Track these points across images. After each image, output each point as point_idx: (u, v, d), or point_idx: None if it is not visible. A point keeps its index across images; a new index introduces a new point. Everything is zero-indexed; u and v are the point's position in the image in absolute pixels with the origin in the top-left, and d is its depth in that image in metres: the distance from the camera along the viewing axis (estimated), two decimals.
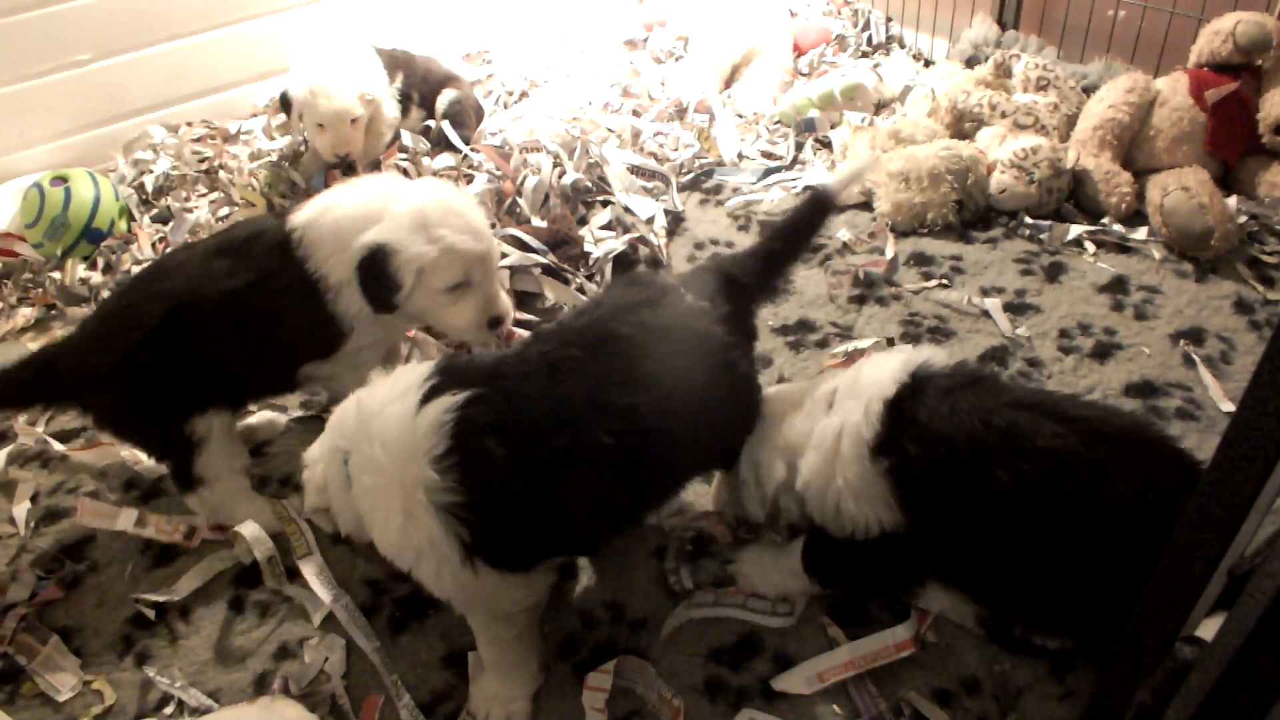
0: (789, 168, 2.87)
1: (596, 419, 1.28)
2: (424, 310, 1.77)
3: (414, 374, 1.33)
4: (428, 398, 1.27)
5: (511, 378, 1.32)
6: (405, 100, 3.10)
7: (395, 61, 3.07)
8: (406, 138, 3.05)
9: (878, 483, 1.31)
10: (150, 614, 1.66)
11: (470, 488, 1.24)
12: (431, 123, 3.12)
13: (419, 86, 3.11)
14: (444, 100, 3.11)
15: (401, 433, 1.26)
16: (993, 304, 2.15)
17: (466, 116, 3.15)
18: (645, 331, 1.36)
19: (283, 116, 3.43)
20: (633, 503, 1.42)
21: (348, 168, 3.14)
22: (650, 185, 2.74)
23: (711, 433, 1.45)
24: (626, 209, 2.59)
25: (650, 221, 2.57)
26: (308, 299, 1.71)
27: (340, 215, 1.72)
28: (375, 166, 3.02)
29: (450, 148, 3.04)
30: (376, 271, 1.67)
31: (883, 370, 1.37)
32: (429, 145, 3.07)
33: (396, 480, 1.25)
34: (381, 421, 1.28)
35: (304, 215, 1.75)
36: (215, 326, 1.69)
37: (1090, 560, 1.23)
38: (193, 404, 1.72)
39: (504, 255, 2.16)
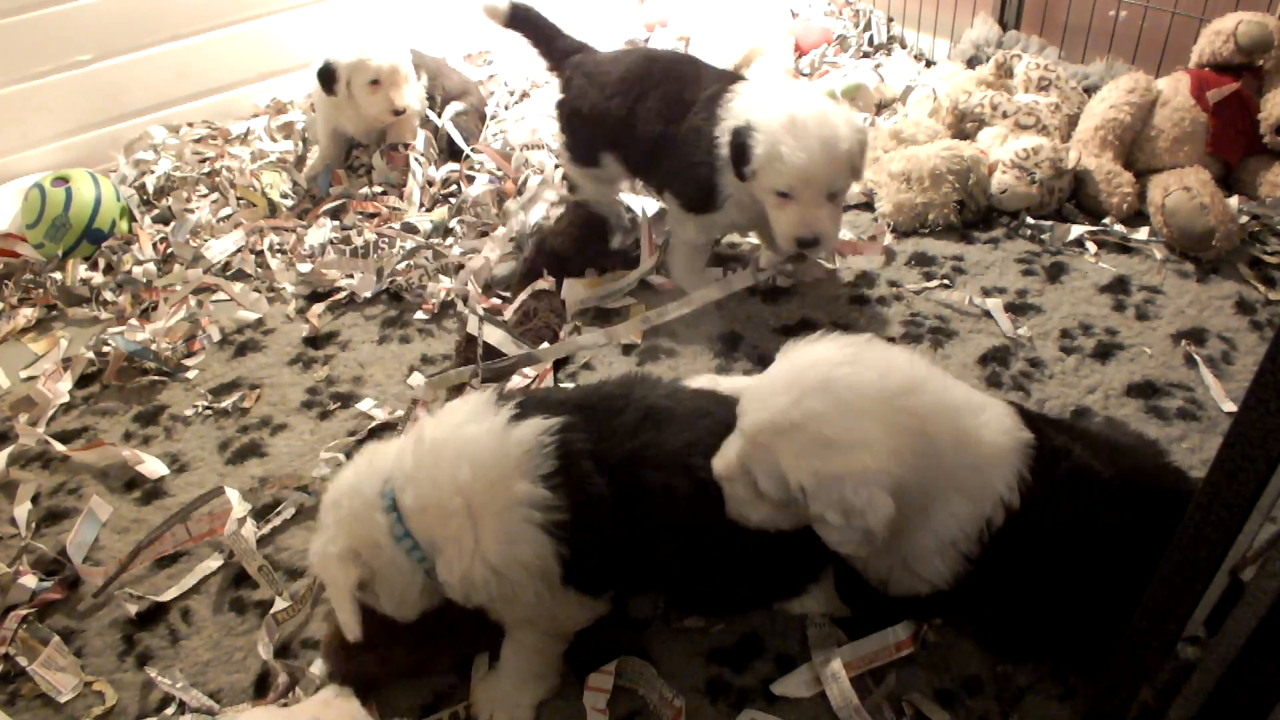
0: None
1: (682, 471, 1.27)
2: (764, 203, 1.99)
3: (479, 400, 1.32)
4: (515, 419, 1.26)
5: (600, 410, 1.31)
6: (430, 102, 3.10)
7: (422, 63, 3.07)
8: (420, 140, 3.06)
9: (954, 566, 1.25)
10: (131, 609, 1.66)
11: (574, 509, 1.23)
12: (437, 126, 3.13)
13: (439, 92, 3.12)
14: (451, 110, 3.11)
15: (495, 450, 1.23)
16: (994, 304, 2.15)
17: (473, 126, 3.16)
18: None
19: (284, 117, 3.45)
20: (705, 565, 1.38)
21: (350, 169, 3.14)
22: None
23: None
24: (627, 208, 2.61)
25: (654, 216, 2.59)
26: (705, 155, 2.03)
27: (750, 103, 1.98)
28: (394, 149, 3.03)
29: (454, 155, 3.05)
30: (738, 144, 1.94)
31: (999, 478, 1.21)
32: (436, 152, 3.07)
33: (492, 498, 1.21)
34: (463, 442, 1.25)
35: (748, 94, 2.02)
36: (644, 112, 2.17)
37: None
38: (610, 147, 2.31)
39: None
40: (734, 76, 2.15)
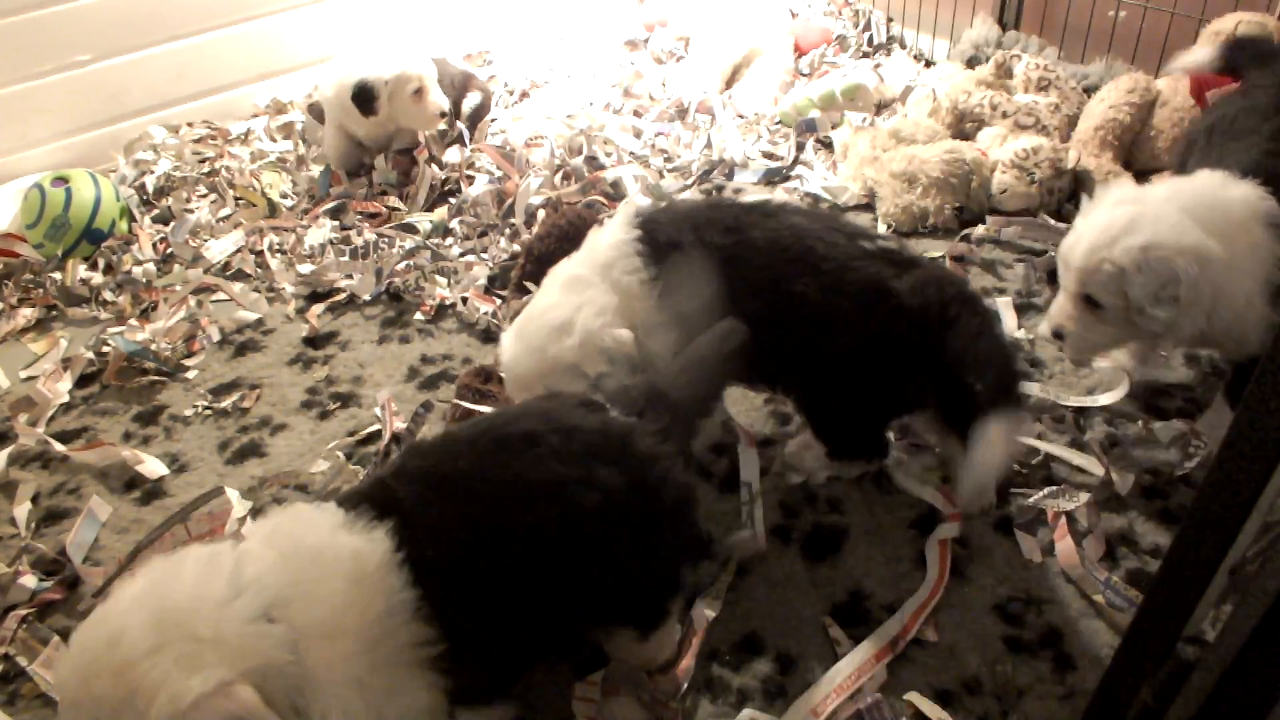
0: (790, 168, 2.86)
1: (507, 543, 1.15)
2: None
3: (314, 511, 1.15)
4: (362, 533, 1.10)
5: (407, 503, 1.15)
6: None
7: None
8: (421, 135, 3.06)
9: None
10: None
11: (447, 634, 1.11)
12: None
13: (448, 89, 3.12)
14: (470, 103, 3.11)
15: (362, 582, 1.07)
16: (1004, 302, 2.15)
17: (487, 110, 3.20)
18: (539, 442, 1.20)
19: (284, 117, 3.45)
20: (566, 615, 1.28)
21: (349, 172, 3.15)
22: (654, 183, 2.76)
23: (635, 548, 1.24)
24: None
25: None
26: None
27: None
28: (401, 153, 3.05)
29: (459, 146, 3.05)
30: None
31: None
32: (451, 139, 3.09)
33: (375, 644, 1.06)
34: (332, 576, 1.06)
35: None
36: None
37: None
38: None
39: None
40: None
